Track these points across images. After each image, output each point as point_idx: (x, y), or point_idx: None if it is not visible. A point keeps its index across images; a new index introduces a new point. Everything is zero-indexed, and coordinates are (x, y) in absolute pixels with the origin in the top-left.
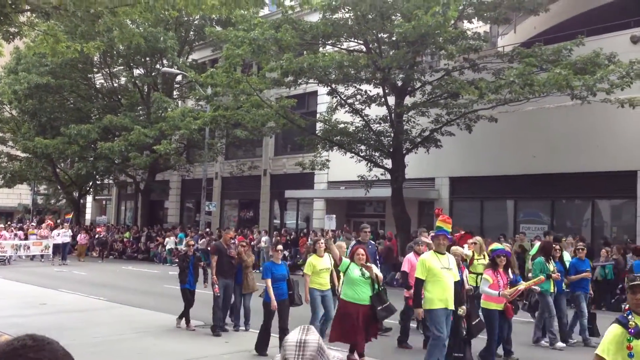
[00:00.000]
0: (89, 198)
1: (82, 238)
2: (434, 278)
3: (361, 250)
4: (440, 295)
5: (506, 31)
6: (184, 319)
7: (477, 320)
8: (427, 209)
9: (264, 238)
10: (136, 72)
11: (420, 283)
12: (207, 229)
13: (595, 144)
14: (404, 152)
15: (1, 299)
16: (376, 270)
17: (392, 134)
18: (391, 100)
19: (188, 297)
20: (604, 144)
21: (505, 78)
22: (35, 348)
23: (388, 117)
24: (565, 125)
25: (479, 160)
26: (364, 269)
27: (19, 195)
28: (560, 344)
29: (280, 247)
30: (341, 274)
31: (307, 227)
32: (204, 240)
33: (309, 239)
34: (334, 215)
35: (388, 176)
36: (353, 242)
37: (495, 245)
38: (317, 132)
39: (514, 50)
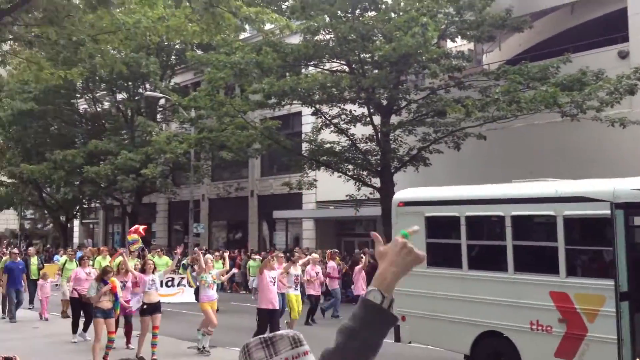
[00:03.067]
0: (76, 222)
1: None
2: None
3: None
4: None
5: (491, 49)
6: None
7: None
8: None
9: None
10: (119, 96)
11: None
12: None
13: (588, 160)
14: (393, 170)
15: None
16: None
17: (380, 153)
18: (377, 119)
19: None
20: (596, 160)
21: (491, 96)
22: None
23: (374, 136)
24: (555, 142)
25: (469, 178)
26: None
27: (6, 220)
28: None
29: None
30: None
31: (298, 247)
32: None
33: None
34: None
35: (377, 195)
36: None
37: None
38: (303, 152)
39: (500, 68)
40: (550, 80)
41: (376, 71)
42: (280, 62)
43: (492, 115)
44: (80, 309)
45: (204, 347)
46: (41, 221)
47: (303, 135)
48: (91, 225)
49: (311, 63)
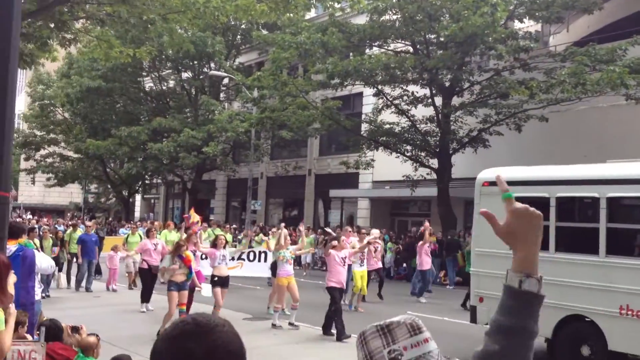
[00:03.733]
0: (138, 197)
1: None
2: None
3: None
4: None
5: (558, 30)
6: None
7: None
8: (473, 209)
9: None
10: (184, 75)
11: None
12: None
13: None
14: (451, 152)
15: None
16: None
17: (439, 134)
18: (438, 100)
19: None
20: None
21: (557, 77)
22: (203, 331)
23: (435, 117)
24: (618, 125)
25: (529, 160)
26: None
27: (70, 194)
28: None
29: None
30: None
31: (352, 225)
32: None
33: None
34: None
35: (434, 176)
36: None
37: None
38: (362, 132)
39: (567, 49)
40: (617, 63)
41: (441, 52)
42: (345, 42)
43: (555, 97)
44: (150, 279)
45: (290, 323)
46: (104, 195)
47: (363, 116)
48: (152, 201)
49: (376, 44)
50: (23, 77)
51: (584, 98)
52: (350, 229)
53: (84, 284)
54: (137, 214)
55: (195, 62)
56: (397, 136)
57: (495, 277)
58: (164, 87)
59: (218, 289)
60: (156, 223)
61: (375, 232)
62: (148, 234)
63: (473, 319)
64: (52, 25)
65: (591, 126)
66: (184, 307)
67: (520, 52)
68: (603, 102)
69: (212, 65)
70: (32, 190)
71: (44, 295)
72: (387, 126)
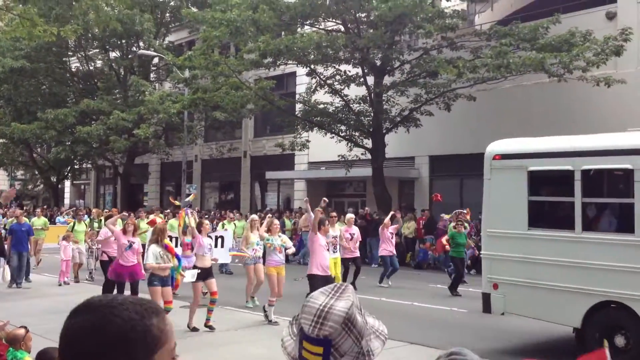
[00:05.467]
0: (67, 183)
1: None
2: None
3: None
4: None
5: (483, 9)
6: None
7: None
8: (407, 188)
9: None
10: (112, 55)
11: None
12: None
13: (573, 121)
14: (384, 131)
15: None
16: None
17: (372, 114)
18: (370, 80)
19: None
20: (581, 121)
21: (482, 57)
22: (90, 308)
23: (367, 97)
24: (542, 102)
25: (458, 139)
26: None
27: (11, 189)
28: None
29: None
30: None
31: (288, 208)
32: None
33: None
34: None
35: (369, 156)
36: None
37: None
38: (296, 113)
39: (491, 28)
40: (540, 41)
41: (371, 31)
42: (277, 20)
43: (482, 76)
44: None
45: (267, 318)
46: (32, 182)
47: (297, 96)
48: (82, 186)
49: (307, 22)
50: None
51: (509, 77)
52: (334, 215)
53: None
54: (66, 201)
55: (123, 41)
56: (331, 116)
57: (511, 260)
58: (91, 68)
59: (199, 283)
60: (94, 211)
61: (350, 216)
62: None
63: (486, 308)
64: None
65: (517, 104)
66: (171, 306)
67: (447, 30)
68: (527, 80)
69: (141, 44)
70: None
71: None
72: (321, 106)
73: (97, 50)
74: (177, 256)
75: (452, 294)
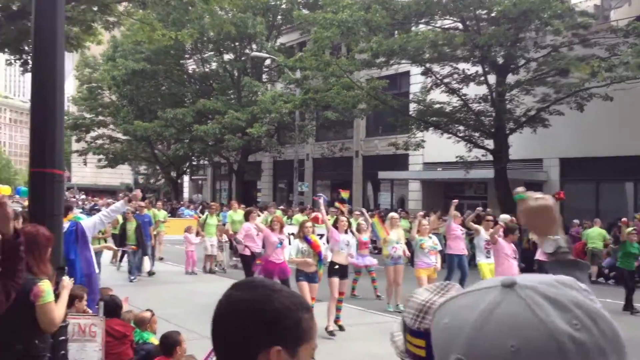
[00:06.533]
0: (186, 178)
1: None
2: None
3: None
4: None
5: (620, 4)
6: None
7: None
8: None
9: None
10: (226, 57)
11: None
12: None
13: None
14: (507, 132)
15: None
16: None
17: (494, 114)
18: (491, 78)
19: None
20: None
21: (620, 54)
22: (240, 287)
23: (488, 97)
24: None
25: (594, 140)
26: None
27: (121, 175)
28: None
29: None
30: None
31: (403, 208)
32: None
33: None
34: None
35: (489, 157)
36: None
37: None
38: (410, 112)
39: (629, 24)
40: None
41: (493, 28)
42: (390, 19)
43: (619, 75)
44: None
45: None
46: (153, 176)
47: (411, 96)
48: (200, 182)
49: (422, 20)
50: (71, 61)
51: None
52: (458, 214)
53: (143, 267)
54: (185, 195)
55: (237, 44)
56: (448, 116)
57: None
58: (206, 69)
59: (335, 279)
60: (213, 205)
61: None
62: (248, 216)
63: None
64: (95, 9)
65: None
66: (313, 303)
67: (578, 28)
68: None
69: (254, 46)
70: (84, 172)
71: (132, 279)
72: (437, 106)
73: (212, 52)
74: (319, 253)
75: (631, 312)
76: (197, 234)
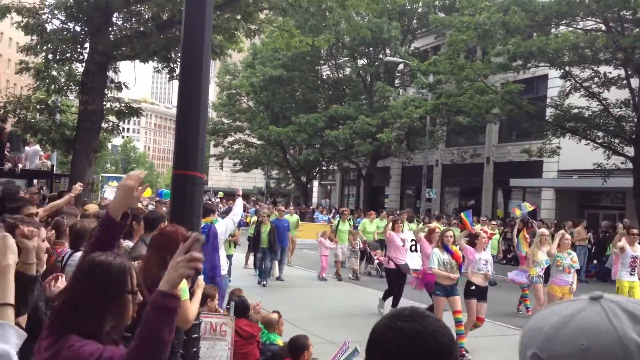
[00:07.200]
0: (315, 183)
1: None
2: None
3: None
4: None
5: None
6: None
7: None
8: None
9: None
10: (360, 62)
11: None
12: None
13: None
14: None
15: None
16: None
17: (635, 119)
18: (635, 82)
19: None
20: None
21: None
22: (417, 316)
23: (630, 101)
24: None
25: None
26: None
27: (254, 179)
28: None
29: None
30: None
31: (535, 217)
32: None
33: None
34: None
35: (629, 165)
36: None
37: None
38: (547, 117)
39: None
40: None
41: (637, 30)
42: (529, 21)
43: None
44: (397, 282)
45: None
46: (284, 181)
47: (548, 100)
48: (328, 187)
49: (563, 22)
50: (212, 68)
51: None
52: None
53: (273, 272)
54: (314, 200)
55: (371, 49)
56: (587, 121)
57: None
58: (340, 75)
59: (473, 301)
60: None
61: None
62: (394, 226)
63: None
64: (238, 17)
65: None
66: (460, 316)
67: None
68: None
69: (388, 51)
70: (220, 175)
71: (264, 283)
72: (576, 111)
73: (347, 58)
74: (460, 267)
75: None
76: (331, 239)
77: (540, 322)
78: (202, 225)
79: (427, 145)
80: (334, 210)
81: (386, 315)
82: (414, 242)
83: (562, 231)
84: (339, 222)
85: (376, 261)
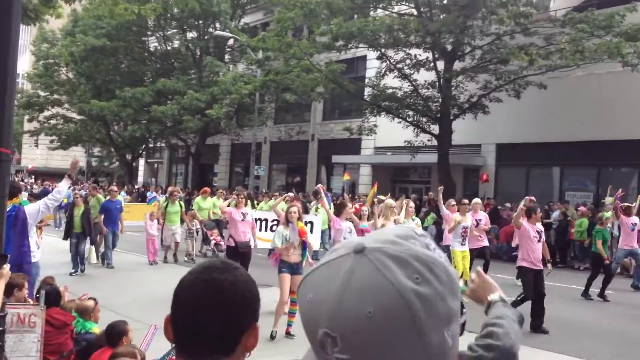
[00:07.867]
0: (142, 161)
1: None
2: None
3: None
4: None
5: None
6: None
7: None
8: (472, 176)
9: None
10: (189, 35)
11: None
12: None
13: None
14: (452, 117)
15: None
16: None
17: (440, 100)
18: (440, 65)
19: None
20: None
21: (556, 44)
22: (222, 270)
23: (436, 83)
24: (614, 91)
25: (527, 127)
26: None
27: (73, 158)
28: None
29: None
30: None
31: (353, 192)
32: None
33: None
34: None
35: (435, 142)
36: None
37: None
38: (365, 97)
39: (566, 15)
40: (615, 29)
41: (444, 15)
42: (350, 3)
43: (554, 64)
44: (237, 261)
45: None
46: (107, 159)
47: (367, 80)
48: (155, 165)
49: (380, 5)
50: (28, 36)
51: (582, 65)
52: (453, 202)
53: (89, 259)
54: (140, 179)
55: (201, 22)
56: (399, 101)
57: None
58: (168, 48)
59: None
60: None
61: (477, 201)
62: (237, 203)
63: None
64: None
65: (588, 93)
66: (295, 296)
67: (520, 17)
68: (600, 68)
69: (218, 25)
70: (35, 154)
71: (77, 272)
72: (390, 91)
73: (175, 30)
74: (305, 244)
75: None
76: (159, 221)
77: (319, 294)
78: (8, 208)
79: (256, 122)
80: (160, 190)
81: (196, 268)
82: (275, 222)
83: (407, 199)
84: (167, 203)
85: (212, 241)
